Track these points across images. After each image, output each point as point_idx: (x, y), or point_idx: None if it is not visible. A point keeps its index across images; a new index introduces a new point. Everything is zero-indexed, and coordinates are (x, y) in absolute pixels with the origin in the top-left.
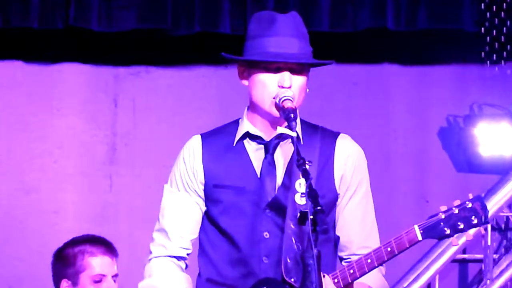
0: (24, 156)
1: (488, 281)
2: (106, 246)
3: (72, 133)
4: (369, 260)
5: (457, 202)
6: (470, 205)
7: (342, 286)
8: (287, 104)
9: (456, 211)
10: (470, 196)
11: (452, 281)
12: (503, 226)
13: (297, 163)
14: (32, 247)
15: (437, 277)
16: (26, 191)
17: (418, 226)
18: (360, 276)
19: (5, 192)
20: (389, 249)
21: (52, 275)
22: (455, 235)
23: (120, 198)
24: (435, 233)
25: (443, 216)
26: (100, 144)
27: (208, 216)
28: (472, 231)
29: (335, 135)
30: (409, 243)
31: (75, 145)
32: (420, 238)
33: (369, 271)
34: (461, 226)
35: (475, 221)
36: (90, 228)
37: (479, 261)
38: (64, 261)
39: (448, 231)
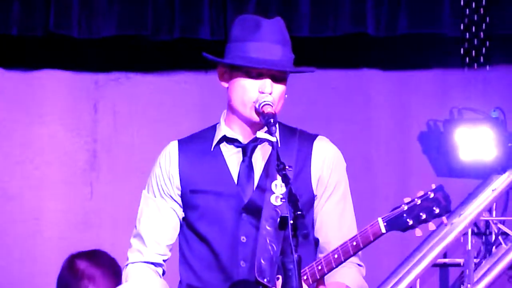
0: (5, 163)
1: (468, 285)
2: (116, 280)
3: (52, 140)
4: (336, 255)
5: (420, 193)
6: (432, 195)
7: (311, 282)
8: (267, 109)
9: (419, 202)
10: (433, 186)
11: (433, 285)
12: (483, 230)
13: (277, 168)
14: (13, 254)
15: (418, 281)
16: (7, 198)
17: (382, 218)
18: (328, 272)
19: None
20: (354, 243)
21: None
22: (418, 226)
23: (101, 205)
24: (398, 224)
25: (406, 208)
26: (80, 151)
27: (186, 222)
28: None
29: (313, 137)
30: (373, 236)
31: (56, 152)
32: (383, 230)
33: (336, 266)
34: (424, 216)
35: (437, 211)
36: (72, 235)
37: (460, 265)
38: (73, 273)
39: (411, 222)
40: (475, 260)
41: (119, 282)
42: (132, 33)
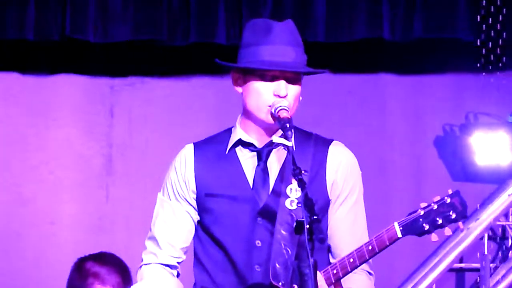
0: (21, 168)
1: None
2: (122, 276)
3: (68, 144)
4: (351, 260)
5: (437, 198)
6: (449, 200)
7: (327, 286)
8: (283, 114)
9: (435, 207)
10: (450, 191)
11: None
12: (500, 235)
13: (293, 173)
14: (28, 258)
15: (434, 286)
16: (23, 203)
17: (398, 223)
18: (344, 276)
19: (1, 203)
20: (370, 247)
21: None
22: (434, 231)
23: (116, 209)
24: (414, 229)
25: (422, 213)
26: (96, 155)
27: (201, 225)
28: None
29: (328, 142)
30: (389, 240)
31: (71, 156)
32: (400, 235)
33: (351, 270)
34: (440, 221)
35: (454, 216)
36: (87, 239)
37: (476, 270)
38: (80, 273)
39: (427, 227)
40: (492, 265)
41: (126, 278)
42: (148, 37)
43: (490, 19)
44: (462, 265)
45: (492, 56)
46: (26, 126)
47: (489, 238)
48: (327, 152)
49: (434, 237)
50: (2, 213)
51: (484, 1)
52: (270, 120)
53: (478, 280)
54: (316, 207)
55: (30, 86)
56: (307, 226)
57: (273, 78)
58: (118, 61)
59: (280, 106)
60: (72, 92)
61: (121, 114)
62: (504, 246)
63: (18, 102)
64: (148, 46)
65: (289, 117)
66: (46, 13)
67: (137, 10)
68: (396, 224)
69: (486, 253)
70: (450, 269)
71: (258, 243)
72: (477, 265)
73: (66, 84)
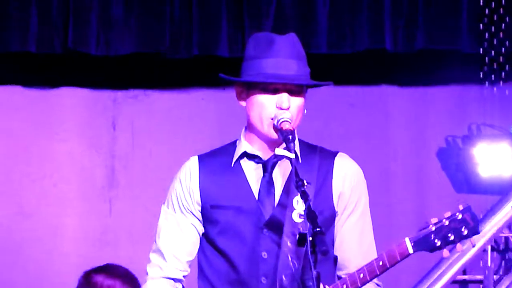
0: (23, 180)
1: None
2: (134, 287)
3: (71, 157)
4: (361, 275)
5: (448, 214)
6: (460, 216)
7: None
8: (285, 126)
9: (447, 222)
10: (460, 207)
11: None
12: (503, 246)
13: (295, 185)
14: (31, 271)
15: None
16: (25, 215)
17: (409, 238)
18: None
19: (4, 216)
20: (381, 262)
21: None
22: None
23: (119, 222)
24: (426, 245)
25: (433, 228)
26: (99, 168)
27: (206, 237)
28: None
29: (334, 154)
30: (401, 256)
31: (74, 169)
32: (411, 251)
33: (361, 285)
34: (452, 237)
35: (466, 232)
36: (90, 252)
37: (479, 282)
38: (90, 287)
39: (439, 243)
40: (495, 277)
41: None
42: (150, 50)
43: (493, 29)
44: (466, 276)
45: (494, 68)
46: (29, 139)
47: (492, 249)
48: (333, 164)
49: (445, 253)
50: (4, 226)
51: (487, 10)
52: (272, 133)
53: None
54: (320, 219)
55: (32, 99)
56: (310, 238)
57: (275, 91)
58: (121, 73)
59: (283, 118)
60: (75, 104)
61: (123, 127)
62: (507, 257)
63: (20, 115)
64: (151, 59)
65: (292, 129)
66: (49, 26)
67: (139, 23)
68: (407, 240)
69: (489, 264)
70: (454, 281)
71: (264, 254)
72: (480, 277)
73: (68, 96)
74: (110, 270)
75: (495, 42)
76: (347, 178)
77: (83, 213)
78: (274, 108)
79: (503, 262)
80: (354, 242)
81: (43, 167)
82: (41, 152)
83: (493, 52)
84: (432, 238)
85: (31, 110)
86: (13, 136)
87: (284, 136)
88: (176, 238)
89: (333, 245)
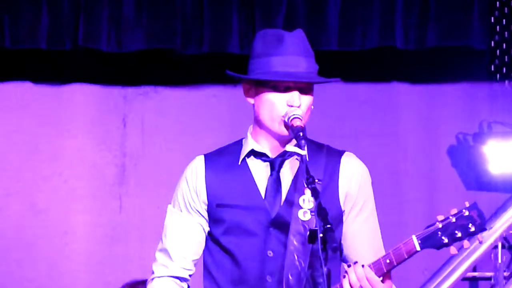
0: (34, 177)
1: None
2: None
3: (81, 154)
4: None
5: (454, 211)
6: (467, 213)
7: None
8: (296, 123)
9: (453, 219)
10: (467, 204)
11: None
12: None
13: (306, 182)
14: (41, 268)
15: None
16: (36, 212)
17: (416, 236)
18: None
19: (15, 213)
20: (388, 260)
21: None
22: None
23: (130, 219)
24: (433, 242)
25: (440, 226)
26: (109, 165)
27: (211, 236)
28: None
29: (340, 153)
30: (408, 254)
31: (84, 165)
32: (418, 248)
33: None
34: (459, 234)
35: (473, 229)
36: (100, 249)
37: (490, 279)
38: None
39: (446, 240)
40: (505, 274)
41: None
42: (161, 47)
43: (504, 24)
44: (476, 273)
45: (505, 65)
46: (39, 136)
47: (503, 246)
48: (339, 163)
49: (453, 250)
50: (15, 223)
51: (498, 4)
52: (283, 130)
53: None
54: (329, 216)
55: (43, 95)
56: (321, 235)
57: (286, 89)
58: (131, 70)
59: (294, 115)
60: (85, 101)
61: (134, 124)
62: None
63: (31, 112)
64: (161, 56)
65: (303, 126)
66: (59, 22)
67: (150, 20)
68: (414, 237)
69: (499, 261)
70: (464, 278)
71: (270, 253)
72: (490, 274)
73: (79, 93)
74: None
75: (505, 39)
76: (354, 177)
77: (93, 209)
78: (285, 106)
79: None
80: (365, 240)
81: (54, 164)
82: (51, 149)
83: (504, 45)
84: (439, 235)
85: (42, 107)
86: (23, 133)
87: (295, 133)
88: (182, 237)
89: (340, 243)
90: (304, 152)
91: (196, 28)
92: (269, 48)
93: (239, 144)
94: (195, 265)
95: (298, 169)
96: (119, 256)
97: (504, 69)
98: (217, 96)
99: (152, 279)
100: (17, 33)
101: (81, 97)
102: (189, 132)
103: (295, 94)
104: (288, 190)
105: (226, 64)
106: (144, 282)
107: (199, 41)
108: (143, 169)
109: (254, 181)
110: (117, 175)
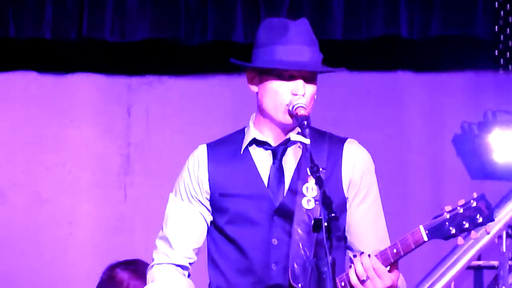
0: (38, 167)
1: None
2: None
3: (86, 143)
4: None
5: (462, 202)
6: (474, 204)
7: None
8: (301, 112)
9: (461, 210)
10: (475, 195)
11: None
12: None
13: (310, 170)
14: (46, 258)
15: (452, 284)
16: (40, 202)
17: (424, 226)
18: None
19: (19, 203)
20: (395, 250)
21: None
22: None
23: (134, 209)
24: (440, 233)
25: (448, 216)
26: (114, 155)
27: (215, 225)
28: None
29: (343, 140)
30: (415, 244)
31: (89, 155)
32: (425, 238)
33: None
34: (467, 225)
35: (480, 220)
36: (105, 239)
37: (494, 267)
38: (113, 284)
39: (453, 231)
40: (510, 263)
41: None
42: (165, 36)
43: (508, 14)
44: (480, 262)
45: (510, 53)
46: (43, 126)
47: (508, 235)
48: (342, 150)
49: (460, 240)
50: (20, 213)
51: None
52: (287, 119)
53: (496, 278)
54: (333, 205)
55: (47, 85)
56: (325, 224)
57: (290, 78)
58: (136, 60)
59: (298, 103)
60: (90, 91)
61: (138, 113)
62: None
63: (35, 102)
64: (166, 45)
65: (307, 114)
66: (64, 12)
67: (154, 9)
68: (421, 228)
69: (504, 250)
70: (468, 267)
71: (274, 241)
72: (495, 263)
73: (83, 83)
74: (136, 267)
75: (507, 29)
76: (357, 164)
77: (98, 200)
78: (289, 95)
79: None
80: (369, 228)
81: (58, 154)
82: (55, 139)
83: (508, 30)
84: (447, 225)
85: (46, 96)
86: (27, 123)
87: (300, 121)
88: (183, 226)
89: (344, 231)
90: (308, 141)
91: (200, 17)
92: (273, 37)
93: (241, 133)
94: (196, 253)
95: (300, 157)
96: (123, 246)
97: (508, 54)
98: (221, 85)
99: (152, 266)
100: (22, 23)
101: (86, 87)
102: (194, 122)
103: (300, 82)
104: (291, 179)
105: (230, 53)
106: (126, 263)
107: (203, 30)
108: (147, 159)
109: (257, 170)
110: (121, 165)
